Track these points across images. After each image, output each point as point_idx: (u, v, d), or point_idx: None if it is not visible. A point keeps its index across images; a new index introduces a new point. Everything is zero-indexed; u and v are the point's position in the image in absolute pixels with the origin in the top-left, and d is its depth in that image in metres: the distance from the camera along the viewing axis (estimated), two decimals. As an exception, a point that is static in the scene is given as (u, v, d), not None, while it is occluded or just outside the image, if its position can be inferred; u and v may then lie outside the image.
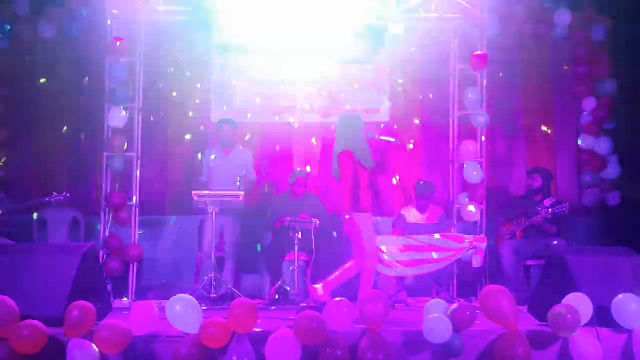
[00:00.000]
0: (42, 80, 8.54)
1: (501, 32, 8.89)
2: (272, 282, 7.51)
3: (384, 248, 6.97)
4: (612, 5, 8.72)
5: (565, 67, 9.15)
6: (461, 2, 7.92)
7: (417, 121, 8.99)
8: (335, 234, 7.67)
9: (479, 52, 8.03)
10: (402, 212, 8.05)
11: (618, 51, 8.81)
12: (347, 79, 8.83)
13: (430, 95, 8.96)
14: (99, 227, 7.73)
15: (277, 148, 8.80)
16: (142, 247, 7.70)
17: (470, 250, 7.04)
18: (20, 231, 7.68)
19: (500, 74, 8.83)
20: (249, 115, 8.72)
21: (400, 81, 8.98)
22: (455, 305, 4.46)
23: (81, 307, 4.30)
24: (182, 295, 4.52)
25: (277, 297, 7.24)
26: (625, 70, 8.65)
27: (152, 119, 8.30)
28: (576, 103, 9.05)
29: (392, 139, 6.53)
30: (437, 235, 7.26)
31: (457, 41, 8.21)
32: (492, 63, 8.26)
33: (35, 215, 7.98)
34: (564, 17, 8.87)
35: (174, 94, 8.80)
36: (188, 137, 8.80)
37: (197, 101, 8.80)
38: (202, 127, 8.80)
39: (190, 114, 8.79)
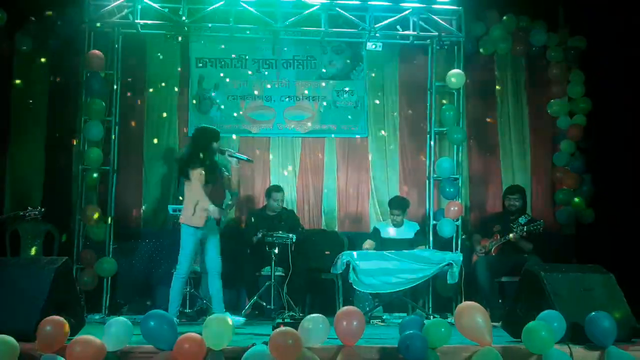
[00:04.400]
0: None
1: (477, 50, 9.00)
2: (249, 297, 7.48)
3: (359, 263, 6.98)
4: (587, 25, 8.84)
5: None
6: (438, 20, 8.01)
7: (394, 137, 9.04)
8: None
9: (455, 70, 8.11)
10: (377, 227, 8.07)
11: (592, 70, 8.92)
12: (325, 94, 8.88)
13: (408, 112, 9.01)
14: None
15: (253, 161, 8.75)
16: (116, 261, 7.64)
17: (446, 267, 7.07)
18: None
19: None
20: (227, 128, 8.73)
21: (376, 97, 9.03)
22: None
23: (54, 322, 4.24)
24: (156, 310, 4.48)
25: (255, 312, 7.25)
26: (599, 89, 8.76)
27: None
28: (551, 121, 9.15)
29: (244, 157, 6.79)
30: (412, 251, 7.30)
31: (434, 58, 8.29)
32: (469, 81, 8.36)
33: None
34: (539, 37, 8.99)
35: (151, 105, 8.75)
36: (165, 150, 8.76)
37: (175, 114, 8.77)
38: (179, 142, 8.78)
39: (167, 127, 8.76)
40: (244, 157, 6.80)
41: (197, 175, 6.19)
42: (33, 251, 7.76)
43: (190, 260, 6.34)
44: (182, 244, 6.29)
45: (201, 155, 6.26)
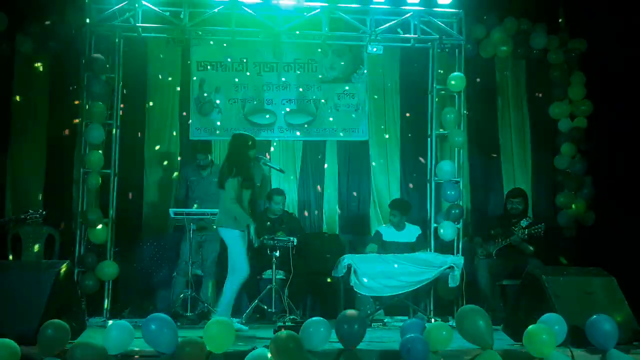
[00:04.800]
0: None
1: (478, 53, 8.99)
2: (250, 300, 7.47)
3: (360, 266, 6.97)
4: (587, 28, 8.84)
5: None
6: (439, 23, 8.01)
7: (395, 140, 9.03)
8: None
9: (456, 73, 8.12)
10: (379, 230, 8.06)
11: (593, 72, 8.91)
12: (326, 97, 8.88)
13: (408, 115, 9.01)
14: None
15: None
16: (117, 264, 7.64)
17: (447, 270, 7.06)
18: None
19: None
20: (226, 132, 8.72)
21: (377, 100, 9.02)
22: None
23: (55, 326, 4.25)
24: (157, 314, 4.48)
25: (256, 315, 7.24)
26: (600, 92, 8.75)
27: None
28: (552, 123, 9.14)
29: (277, 167, 6.96)
30: (414, 254, 7.30)
31: (435, 61, 8.29)
32: (470, 83, 8.35)
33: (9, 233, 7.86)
34: (539, 39, 8.98)
35: (152, 108, 8.75)
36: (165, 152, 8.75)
37: (176, 118, 8.77)
38: (180, 144, 8.78)
39: (168, 130, 8.76)
40: (277, 166, 6.84)
41: (234, 184, 6.12)
42: (34, 253, 7.75)
43: (248, 260, 6.25)
44: (234, 248, 6.18)
45: (240, 164, 6.20)
